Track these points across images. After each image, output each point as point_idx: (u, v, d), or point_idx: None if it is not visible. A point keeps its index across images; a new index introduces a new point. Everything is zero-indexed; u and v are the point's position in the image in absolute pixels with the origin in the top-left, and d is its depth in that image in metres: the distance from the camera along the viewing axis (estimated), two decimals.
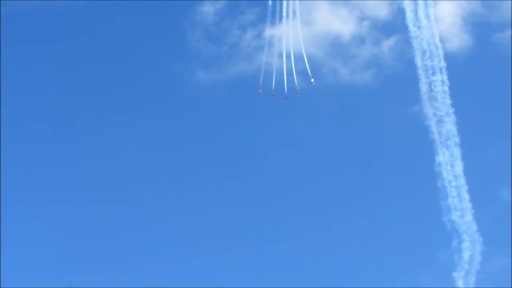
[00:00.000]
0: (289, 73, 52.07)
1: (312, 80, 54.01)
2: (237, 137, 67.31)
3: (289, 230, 59.83)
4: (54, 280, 59.80)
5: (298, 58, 52.50)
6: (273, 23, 52.69)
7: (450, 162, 50.12)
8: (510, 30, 65.44)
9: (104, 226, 65.52)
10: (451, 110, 49.89)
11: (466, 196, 49.81)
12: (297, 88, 52.93)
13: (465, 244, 50.73)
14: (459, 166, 49.65)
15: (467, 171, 49.20)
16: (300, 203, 61.55)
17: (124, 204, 66.12)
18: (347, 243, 58.54)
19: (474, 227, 50.21)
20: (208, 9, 69.96)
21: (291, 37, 52.85)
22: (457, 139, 49.64)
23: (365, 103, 65.72)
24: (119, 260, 62.72)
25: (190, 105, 70.68)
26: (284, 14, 51.28)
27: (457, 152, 49.67)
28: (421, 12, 51.78)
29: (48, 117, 72.04)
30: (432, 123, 50.51)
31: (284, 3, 51.13)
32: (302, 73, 52.58)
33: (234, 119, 69.29)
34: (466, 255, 50.99)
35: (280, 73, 52.10)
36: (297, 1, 51.75)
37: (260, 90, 54.26)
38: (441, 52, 52.03)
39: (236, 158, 66.37)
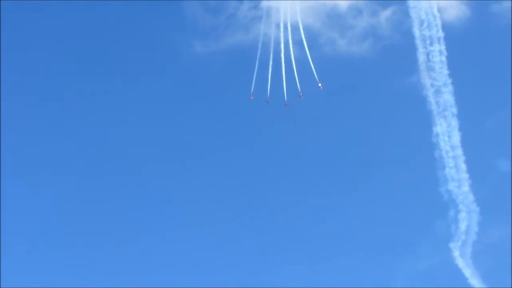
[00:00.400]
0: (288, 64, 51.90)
1: (320, 84, 53.72)
2: (234, 107, 67.31)
3: (289, 196, 60.94)
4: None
5: (295, 28, 52.43)
6: None
7: (447, 133, 50.27)
8: (509, 0, 65.23)
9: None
10: (449, 81, 49.83)
11: (463, 166, 50.15)
12: (301, 94, 53.30)
13: (462, 215, 51.40)
14: (456, 137, 49.93)
15: (464, 142, 49.39)
16: (298, 171, 62.36)
17: (122, 176, 67.08)
18: (344, 214, 59.33)
19: (471, 197, 50.78)
20: None
21: (288, 8, 52.67)
22: (454, 110, 49.60)
23: (362, 73, 65.67)
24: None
25: (187, 76, 70.72)
26: None
27: (455, 122, 49.77)
28: None
29: (45, 91, 72.37)
30: (429, 93, 50.47)
31: None
32: (299, 43, 52.44)
33: (231, 90, 69.09)
34: (463, 225, 51.61)
35: (277, 44, 51.77)
36: None
37: (251, 97, 54.55)
38: (439, 22, 51.73)
39: (233, 128, 66.59)
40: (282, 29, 52.50)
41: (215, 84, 69.93)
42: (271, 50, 53.52)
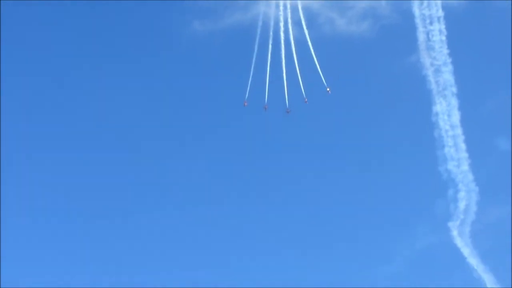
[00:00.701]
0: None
1: (328, 89, 53.67)
2: (233, 86, 67.29)
3: (290, 175, 61.75)
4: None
5: (295, 9, 52.19)
6: None
7: (447, 112, 50.26)
8: None
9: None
10: (449, 60, 49.74)
11: (462, 146, 50.29)
12: (305, 100, 53.21)
13: (461, 194, 51.80)
14: (456, 116, 49.90)
15: (464, 121, 49.41)
16: (298, 152, 63.05)
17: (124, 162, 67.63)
18: (344, 194, 59.96)
19: (470, 177, 51.05)
20: None
21: None
22: (454, 89, 49.58)
23: (361, 53, 65.66)
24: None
25: (186, 55, 71.08)
26: None
27: (454, 102, 49.74)
28: None
29: (45, 75, 72.91)
30: (429, 72, 50.35)
31: None
32: (298, 23, 52.31)
33: (230, 69, 69.56)
34: (462, 205, 52.02)
35: (277, 23, 51.65)
36: None
37: (246, 103, 54.48)
38: (439, 1, 51.53)
39: (232, 107, 66.95)
40: (281, 8, 52.52)
41: (214, 63, 70.22)
42: (271, 30, 53.42)
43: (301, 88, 53.35)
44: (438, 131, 50.79)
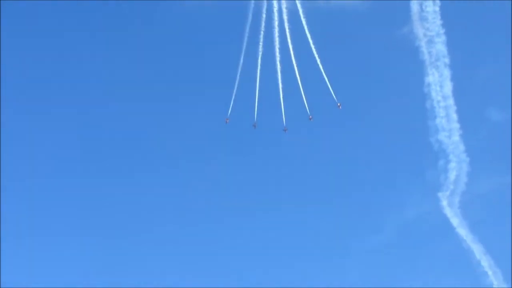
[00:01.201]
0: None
1: (339, 104, 53.61)
2: (225, 59, 67.51)
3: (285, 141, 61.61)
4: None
5: None
6: None
7: (439, 83, 50.40)
8: None
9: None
10: (442, 31, 49.70)
11: (454, 116, 50.55)
12: (310, 117, 53.28)
13: (452, 165, 52.42)
14: (448, 87, 49.99)
15: (456, 92, 49.62)
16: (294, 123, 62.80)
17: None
18: (336, 163, 61.13)
19: (461, 147, 51.56)
20: None
21: None
22: (447, 60, 49.50)
23: (355, 24, 65.13)
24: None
25: (178, 28, 71.50)
26: None
27: (447, 72, 49.74)
28: None
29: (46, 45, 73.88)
30: (422, 43, 50.23)
31: None
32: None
33: (221, 43, 69.39)
34: (452, 175, 52.72)
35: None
36: None
37: (227, 120, 54.55)
38: None
39: (223, 78, 66.92)
40: None
41: (206, 37, 70.51)
42: (264, 5, 52.99)
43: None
44: (430, 102, 50.92)
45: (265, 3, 52.97)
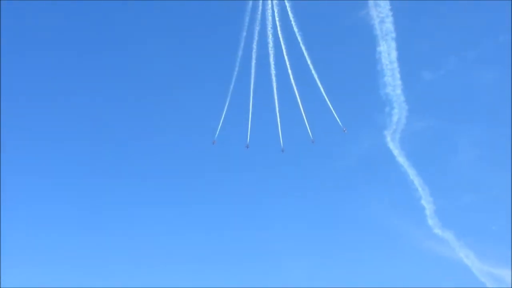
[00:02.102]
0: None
1: (345, 129, 61.80)
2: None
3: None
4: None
5: None
6: None
7: (387, 51, 61.31)
8: None
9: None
10: (390, 13, 60.68)
11: (397, 76, 62.39)
12: (313, 140, 61.32)
13: (395, 111, 65.20)
14: (393, 55, 61.18)
15: (399, 58, 60.41)
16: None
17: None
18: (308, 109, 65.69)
19: (402, 98, 64.24)
20: None
21: None
22: (393, 35, 60.63)
23: (327, 8, 73.96)
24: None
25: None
26: None
27: (393, 44, 60.86)
28: None
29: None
30: (375, 22, 60.85)
31: None
32: None
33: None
34: (395, 118, 65.52)
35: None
36: None
37: (214, 142, 60.37)
38: None
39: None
40: None
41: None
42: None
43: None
44: (380, 65, 62.31)
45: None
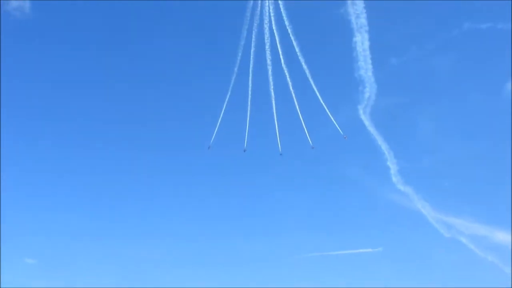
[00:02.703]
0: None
1: (345, 137, 73.23)
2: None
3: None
4: None
5: None
6: None
7: (361, 41, 74.12)
8: None
9: None
10: (364, 10, 73.68)
11: (369, 61, 75.34)
12: (312, 146, 71.98)
13: (367, 89, 78.68)
14: (366, 44, 74.37)
15: (371, 47, 73.88)
16: None
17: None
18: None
19: (372, 79, 77.83)
20: None
21: None
22: (366, 28, 73.79)
23: (307, 8, 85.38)
24: None
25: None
26: None
27: (366, 36, 73.87)
28: None
29: None
30: (352, 18, 73.90)
31: None
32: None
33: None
34: (366, 95, 79.30)
35: None
36: None
37: (209, 147, 69.77)
38: None
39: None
40: None
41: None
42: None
43: None
44: (355, 52, 75.79)
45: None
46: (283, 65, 72.24)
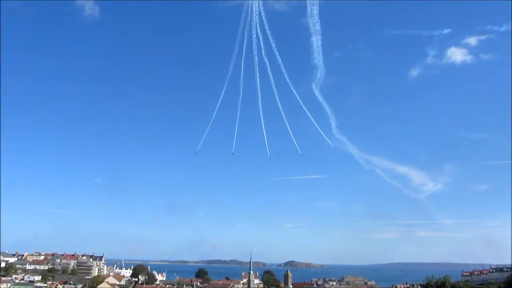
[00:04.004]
0: None
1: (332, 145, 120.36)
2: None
3: None
4: None
5: None
6: None
7: (316, 41, 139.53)
8: None
9: None
10: (319, 22, 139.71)
11: (321, 54, 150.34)
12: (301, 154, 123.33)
13: (318, 72, 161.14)
14: (319, 42, 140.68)
15: (322, 44, 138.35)
16: None
17: None
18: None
19: (322, 66, 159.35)
20: None
21: None
22: (320, 32, 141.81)
23: (278, 18, 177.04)
24: None
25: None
26: None
27: (319, 37, 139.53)
28: None
29: None
30: (311, 25, 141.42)
31: None
32: None
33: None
34: (318, 76, 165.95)
35: None
36: None
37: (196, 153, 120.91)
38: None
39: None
40: None
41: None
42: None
43: None
44: (312, 48, 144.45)
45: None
46: (264, 57, 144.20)
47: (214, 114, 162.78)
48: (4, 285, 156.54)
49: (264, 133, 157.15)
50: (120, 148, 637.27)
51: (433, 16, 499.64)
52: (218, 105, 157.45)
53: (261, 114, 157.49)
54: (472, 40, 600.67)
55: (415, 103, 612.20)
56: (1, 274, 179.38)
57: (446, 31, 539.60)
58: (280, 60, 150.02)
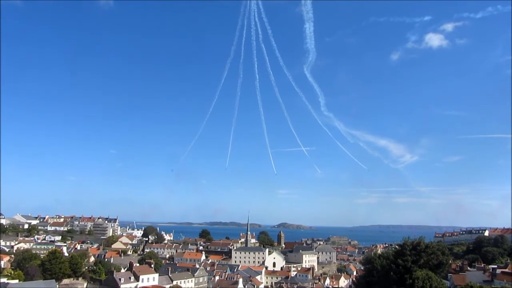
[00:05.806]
0: None
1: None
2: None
3: None
4: None
5: None
6: None
7: (308, 28, 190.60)
8: None
9: None
10: (311, 11, 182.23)
11: (313, 40, 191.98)
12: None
13: (310, 55, 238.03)
14: (312, 29, 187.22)
15: (314, 31, 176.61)
16: None
17: None
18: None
19: (314, 50, 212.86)
20: None
21: None
22: (312, 19, 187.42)
23: (274, 8, 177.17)
24: None
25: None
26: None
27: (312, 24, 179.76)
28: None
29: None
30: (304, 14, 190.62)
31: None
32: None
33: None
34: (309, 59, 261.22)
35: None
36: None
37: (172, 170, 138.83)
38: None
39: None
40: None
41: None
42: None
43: None
44: (305, 34, 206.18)
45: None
46: (260, 42, 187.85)
47: (218, 92, 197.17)
48: (28, 244, 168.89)
49: (261, 109, 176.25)
50: (132, 123, 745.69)
51: (417, 4, 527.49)
52: (221, 84, 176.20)
53: (258, 93, 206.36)
54: (449, 27, 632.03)
55: (396, 83, 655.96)
56: (24, 234, 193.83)
57: (426, 18, 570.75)
58: (275, 45, 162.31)
